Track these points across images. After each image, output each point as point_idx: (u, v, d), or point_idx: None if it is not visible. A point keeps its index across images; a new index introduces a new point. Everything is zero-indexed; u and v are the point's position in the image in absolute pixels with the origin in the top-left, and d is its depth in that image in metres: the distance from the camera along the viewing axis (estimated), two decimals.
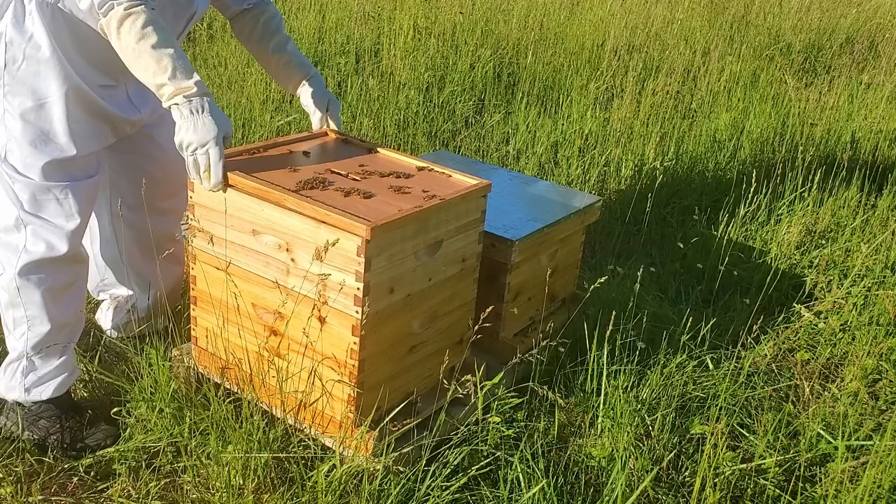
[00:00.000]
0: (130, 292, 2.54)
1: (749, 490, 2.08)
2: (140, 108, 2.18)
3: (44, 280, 2.05)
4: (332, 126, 2.34)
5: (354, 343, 1.86)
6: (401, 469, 1.93)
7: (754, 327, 2.25)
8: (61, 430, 2.12)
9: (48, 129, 1.99)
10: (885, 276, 3.21)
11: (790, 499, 2.06)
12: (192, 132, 1.86)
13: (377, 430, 1.92)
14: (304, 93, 2.30)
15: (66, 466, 2.07)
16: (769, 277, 3.07)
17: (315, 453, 1.96)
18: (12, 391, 2.14)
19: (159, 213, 2.37)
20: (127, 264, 2.48)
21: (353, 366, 1.88)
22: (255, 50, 2.34)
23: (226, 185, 1.95)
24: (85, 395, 2.35)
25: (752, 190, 3.49)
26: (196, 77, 1.86)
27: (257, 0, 2.30)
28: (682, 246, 3.32)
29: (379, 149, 2.28)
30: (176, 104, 1.86)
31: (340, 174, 2.07)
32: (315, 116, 2.32)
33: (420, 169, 2.18)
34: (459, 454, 1.97)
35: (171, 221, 2.44)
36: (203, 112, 1.86)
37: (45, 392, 2.13)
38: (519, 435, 2.13)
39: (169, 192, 2.37)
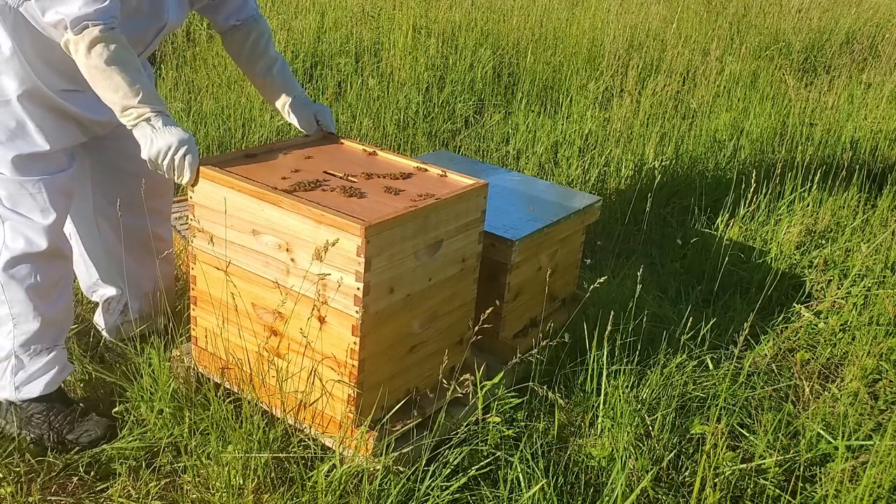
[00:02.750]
0: (119, 291, 2.53)
1: (749, 490, 2.08)
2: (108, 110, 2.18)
3: (26, 277, 2.06)
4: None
5: (354, 343, 1.86)
6: (401, 469, 1.93)
7: (745, 326, 2.24)
8: (49, 425, 2.11)
9: (13, 125, 2.01)
10: (885, 276, 3.21)
11: (790, 499, 2.05)
12: (152, 145, 1.93)
13: (377, 429, 1.92)
14: (291, 117, 2.35)
15: (65, 466, 2.06)
16: (769, 277, 3.07)
17: (315, 453, 1.96)
18: (3, 390, 2.14)
19: (146, 212, 2.36)
20: (114, 263, 2.47)
21: (353, 366, 1.88)
22: (244, 69, 2.38)
23: (197, 179, 2.00)
24: (85, 395, 2.35)
25: (751, 190, 3.49)
26: (155, 99, 1.94)
27: (246, 17, 2.30)
28: (681, 244, 3.32)
29: (377, 150, 2.28)
30: (135, 125, 1.93)
31: (337, 176, 2.07)
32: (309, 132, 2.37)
33: (417, 170, 2.18)
34: (459, 454, 1.97)
35: (156, 221, 2.43)
36: (160, 126, 1.93)
37: (35, 389, 2.13)
38: (519, 435, 2.13)
39: (156, 191, 2.36)
